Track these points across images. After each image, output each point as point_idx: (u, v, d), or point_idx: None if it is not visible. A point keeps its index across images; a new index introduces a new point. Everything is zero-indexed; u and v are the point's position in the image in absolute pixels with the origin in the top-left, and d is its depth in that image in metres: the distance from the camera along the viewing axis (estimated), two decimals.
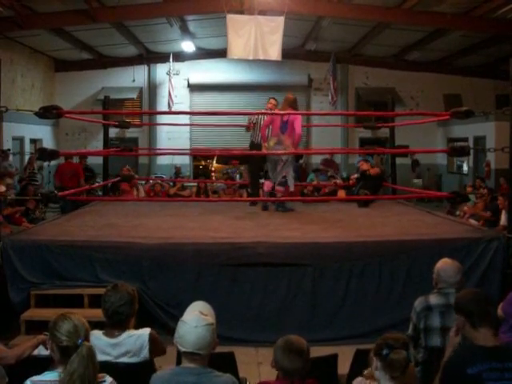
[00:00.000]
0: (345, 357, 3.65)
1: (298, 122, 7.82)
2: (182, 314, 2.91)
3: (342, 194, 10.90)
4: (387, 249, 5.78)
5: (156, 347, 3.32)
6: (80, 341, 2.45)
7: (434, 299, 3.74)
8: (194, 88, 18.65)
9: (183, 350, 2.73)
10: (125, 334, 3.26)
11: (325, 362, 3.52)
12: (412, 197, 10.41)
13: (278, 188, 8.08)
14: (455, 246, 5.78)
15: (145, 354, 3.24)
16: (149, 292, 5.53)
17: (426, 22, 13.43)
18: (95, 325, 3.45)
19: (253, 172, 9.04)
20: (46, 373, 2.52)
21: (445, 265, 3.83)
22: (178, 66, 18.14)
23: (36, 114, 6.40)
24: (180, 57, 17.94)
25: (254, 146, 8.50)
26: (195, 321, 2.75)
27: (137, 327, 3.41)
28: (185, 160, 18.49)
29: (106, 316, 3.28)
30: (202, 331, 2.72)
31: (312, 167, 16.85)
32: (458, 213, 9.95)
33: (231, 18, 12.07)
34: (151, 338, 3.28)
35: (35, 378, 2.55)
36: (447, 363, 2.75)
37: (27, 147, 15.42)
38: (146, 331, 3.31)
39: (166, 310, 5.46)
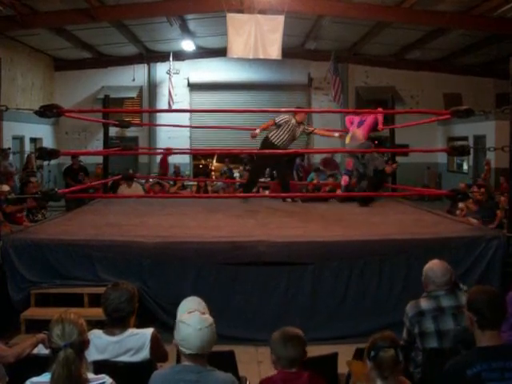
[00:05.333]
0: (345, 356, 3.65)
1: (371, 119, 8.86)
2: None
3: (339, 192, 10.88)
4: (387, 248, 5.78)
5: (157, 348, 3.31)
6: (63, 345, 2.45)
7: (425, 304, 3.69)
8: (193, 87, 18.65)
9: (188, 352, 2.69)
10: (127, 332, 3.25)
11: (325, 360, 3.51)
12: (411, 194, 10.42)
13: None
14: (455, 244, 5.78)
15: (145, 353, 3.23)
16: (149, 291, 5.53)
17: (426, 20, 13.43)
18: (95, 324, 3.45)
19: (256, 170, 9.07)
20: (45, 374, 2.52)
21: (432, 266, 3.80)
22: (178, 65, 18.14)
23: (36, 112, 6.40)
24: (180, 56, 17.93)
25: (268, 144, 8.55)
26: (198, 322, 2.71)
27: (137, 326, 3.40)
28: (185, 159, 18.51)
29: (106, 314, 3.28)
30: (207, 333, 2.70)
31: (313, 166, 16.84)
32: (458, 212, 9.93)
33: (231, 16, 12.07)
34: (153, 338, 3.27)
35: (34, 379, 2.55)
36: (448, 366, 2.74)
37: (27, 146, 15.42)
38: (148, 331, 3.30)
39: (167, 309, 5.44)
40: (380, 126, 8.93)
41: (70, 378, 2.40)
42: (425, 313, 3.65)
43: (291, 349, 2.82)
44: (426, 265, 3.87)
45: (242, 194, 8.65)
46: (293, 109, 9.10)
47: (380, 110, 8.94)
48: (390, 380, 2.61)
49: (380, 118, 8.99)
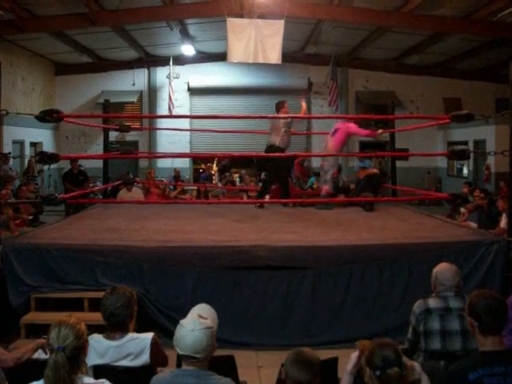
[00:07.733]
0: (345, 360, 3.63)
1: (343, 130, 8.64)
2: (182, 317, 2.90)
3: (341, 197, 10.90)
4: (387, 252, 5.77)
5: (157, 353, 3.31)
6: (56, 348, 2.45)
7: (433, 302, 3.74)
8: (193, 91, 18.69)
9: (181, 352, 2.74)
10: (127, 337, 3.25)
11: (325, 365, 3.50)
12: (412, 199, 10.41)
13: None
14: (455, 249, 5.77)
15: (145, 357, 3.23)
16: (149, 295, 5.52)
17: (426, 25, 13.47)
18: (95, 328, 3.45)
19: (271, 177, 9.18)
20: (44, 379, 2.52)
21: (442, 268, 3.86)
22: (178, 69, 18.17)
23: (36, 117, 6.40)
24: (180, 60, 17.97)
25: (276, 150, 8.62)
26: (192, 324, 2.75)
27: (137, 331, 3.40)
28: (185, 163, 18.51)
29: (104, 318, 3.28)
30: (199, 335, 2.71)
31: (313, 171, 16.84)
32: (458, 216, 9.94)
33: (231, 21, 12.08)
34: (153, 342, 3.27)
35: (34, 383, 2.54)
36: (450, 370, 2.74)
37: (27, 151, 15.44)
38: (149, 335, 3.30)
39: (167, 314, 5.45)
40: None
41: (59, 382, 2.40)
42: (432, 311, 3.69)
43: (300, 371, 2.63)
44: (435, 267, 3.90)
45: (244, 200, 8.66)
46: (292, 115, 9.09)
47: (352, 125, 8.76)
48: None
49: (354, 129, 8.77)
